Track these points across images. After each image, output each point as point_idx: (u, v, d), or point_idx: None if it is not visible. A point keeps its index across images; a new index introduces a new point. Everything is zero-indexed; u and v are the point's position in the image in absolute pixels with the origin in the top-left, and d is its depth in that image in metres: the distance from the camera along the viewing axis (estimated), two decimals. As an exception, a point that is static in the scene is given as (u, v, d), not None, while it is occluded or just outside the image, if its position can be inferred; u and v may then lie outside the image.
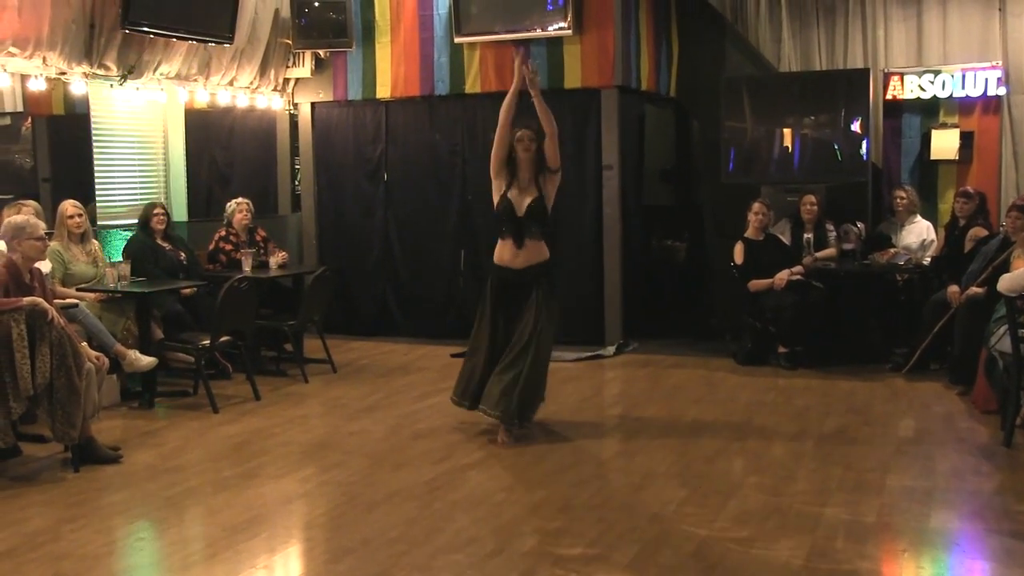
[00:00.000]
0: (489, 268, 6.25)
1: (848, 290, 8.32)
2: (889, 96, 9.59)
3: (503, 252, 6.08)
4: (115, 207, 8.52)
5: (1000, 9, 9.44)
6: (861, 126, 8.92)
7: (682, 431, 6.32)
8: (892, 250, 8.38)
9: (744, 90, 9.24)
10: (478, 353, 6.18)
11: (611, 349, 8.84)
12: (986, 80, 9.31)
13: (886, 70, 9.71)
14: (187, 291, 7.69)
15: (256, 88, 9.65)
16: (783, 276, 8.11)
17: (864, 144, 8.91)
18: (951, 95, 9.41)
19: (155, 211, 7.89)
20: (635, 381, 7.91)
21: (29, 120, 8.17)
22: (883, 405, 6.92)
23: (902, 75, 9.55)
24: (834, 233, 8.54)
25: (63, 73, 7.64)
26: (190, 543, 4.62)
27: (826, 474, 5.33)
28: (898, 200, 8.76)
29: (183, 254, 8.02)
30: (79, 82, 7.83)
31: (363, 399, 7.30)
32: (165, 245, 7.93)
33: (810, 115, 9.18)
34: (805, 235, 8.57)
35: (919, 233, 8.68)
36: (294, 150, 10.32)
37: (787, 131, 9.23)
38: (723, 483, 5.23)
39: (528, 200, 6.02)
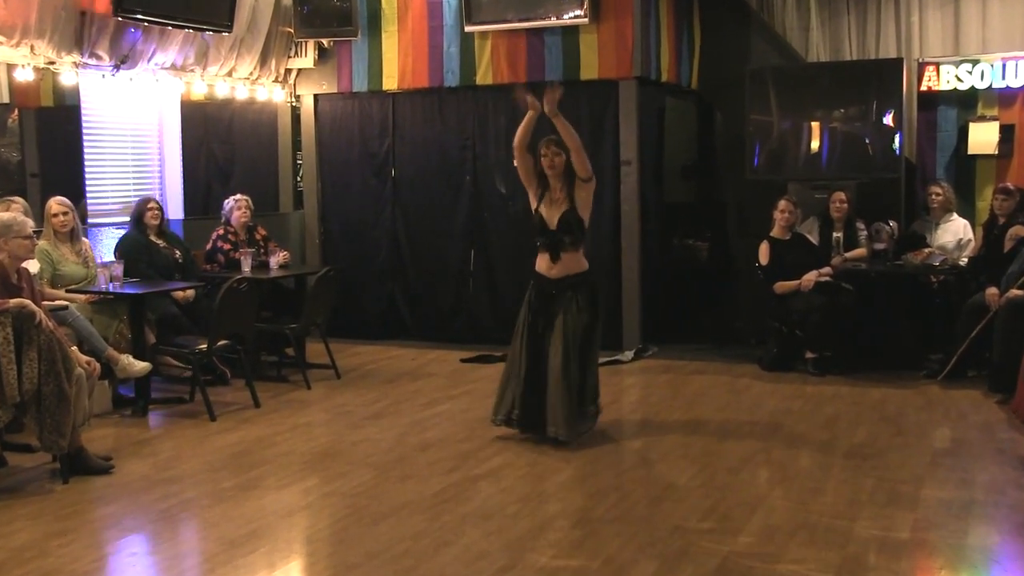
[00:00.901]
0: (531, 275, 6.35)
1: (880, 292, 8.27)
2: (924, 87, 9.52)
3: (540, 262, 6.26)
4: (107, 204, 8.54)
5: (1044, -6, 9.40)
6: (894, 119, 8.88)
7: (704, 440, 6.30)
8: (927, 250, 8.34)
9: (770, 82, 9.21)
10: (512, 368, 6.29)
11: (629, 354, 8.82)
12: (1028, 70, 9.25)
13: (921, 60, 9.65)
14: (185, 294, 7.70)
15: (256, 79, 9.66)
16: (811, 277, 8.07)
17: (897, 138, 8.87)
18: (990, 86, 9.33)
19: (149, 206, 7.90)
20: (655, 388, 7.89)
21: (16, 112, 8.19)
22: (917, 414, 6.88)
23: (938, 65, 9.49)
24: (865, 232, 8.50)
25: (52, 63, 7.66)
26: (185, 558, 4.62)
27: (857, 486, 5.30)
28: (933, 197, 8.71)
29: (178, 252, 8.03)
30: (69, 72, 7.84)
31: (368, 406, 7.30)
32: (159, 242, 7.94)
33: (840, 108, 9.15)
34: (834, 234, 8.53)
35: (955, 232, 8.62)
36: (296, 144, 10.34)
37: (815, 125, 9.21)
38: (748, 495, 5.20)
39: (559, 213, 6.16)
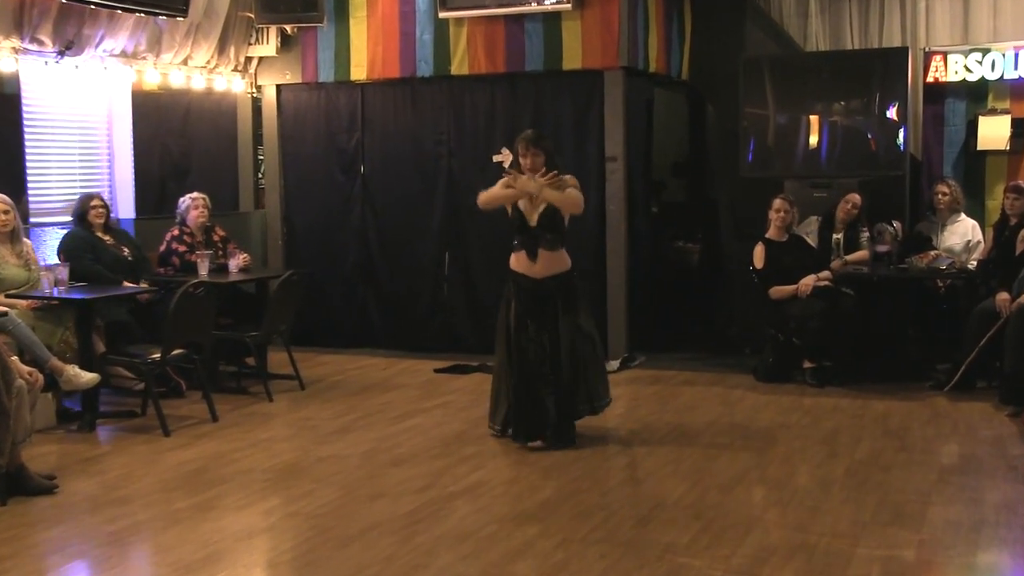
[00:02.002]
0: (507, 275, 6.52)
1: (883, 298, 8.31)
2: (930, 78, 9.58)
3: (519, 261, 6.43)
4: (50, 202, 8.48)
5: (1060, -22, 9.46)
6: (898, 113, 8.91)
7: (695, 456, 6.30)
8: (933, 252, 8.38)
9: (766, 72, 9.23)
10: (502, 371, 6.53)
11: (615, 364, 8.82)
12: (1042, 60, 9.31)
13: (927, 49, 9.71)
14: (144, 296, 7.67)
15: (214, 68, 9.63)
16: (809, 282, 8.10)
17: (902, 133, 8.91)
18: (1002, 77, 9.39)
19: (93, 203, 7.84)
20: (642, 400, 7.90)
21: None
22: (923, 428, 6.91)
23: (945, 54, 9.54)
24: (867, 234, 8.53)
25: (-11, 48, 7.62)
26: (135, 584, 4.59)
27: (858, 505, 5.32)
28: (940, 196, 8.76)
29: (127, 250, 7.99)
30: (8, 59, 7.78)
31: (335, 420, 7.28)
32: (106, 239, 7.90)
33: (840, 101, 9.17)
34: (834, 236, 8.56)
35: (963, 233, 8.68)
36: (257, 139, 10.30)
37: (814, 119, 9.22)
38: (741, 516, 5.22)
39: (539, 209, 6.34)
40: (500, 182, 6.42)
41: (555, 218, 6.35)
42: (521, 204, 6.37)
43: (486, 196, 6.49)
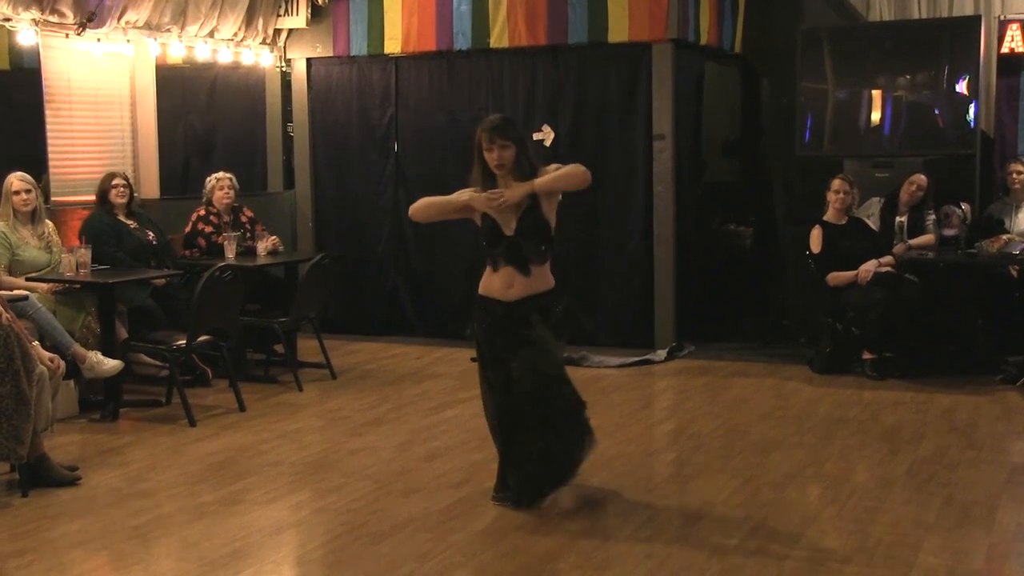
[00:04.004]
0: (474, 303, 5.50)
1: (949, 285, 8.24)
2: (1005, 49, 9.49)
3: (492, 282, 5.33)
4: (72, 181, 8.56)
5: None
6: (969, 86, 8.82)
7: (747, 452, 6.29)
8: (1005, 237, 8.29)
9: (825, 44, 9.17)
10: (489, 416, 5.52)
11: (662, 353, 8.81)
12: None
13: (1002, 17, 9.61)
14: (159, 281, 7.73)
15: (241, 41, 9.68)
16: (869, 268, 8.05)
17: (972, 108, 8.82)
18: (1086, 46, 9.29)
19: (114, 182, 7.89)
20: (690, 392, 7.89)
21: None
22: (992, 424, 6.85)
23: (1022, 23, 9.42)
24: (933, 217, 8.45)
25: (7, 19, 7.68)
26: (160, 580, 4.64)
27: (922, 507, 5.28)
28: (1014, 176, 8.66)
29: (151, 234, 8.05)
30: (28, 31, 7.87)
31: (367, 411, 7.32)
32: (130, 223, 7.96)
33: (905, 74, 9.10)
34: (897, 219, 8.49)
35: (1040, 216, 8.59)
36: (286, 115, 10.35)
37: (877, 93, 9.17)
38: (795, 515, 5.20)
39: (517, 213, 5.23)
40: (462, 193, 5.38)
41: (540, 222, 5.23)
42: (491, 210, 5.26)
43: (430, 205, 5.56)
